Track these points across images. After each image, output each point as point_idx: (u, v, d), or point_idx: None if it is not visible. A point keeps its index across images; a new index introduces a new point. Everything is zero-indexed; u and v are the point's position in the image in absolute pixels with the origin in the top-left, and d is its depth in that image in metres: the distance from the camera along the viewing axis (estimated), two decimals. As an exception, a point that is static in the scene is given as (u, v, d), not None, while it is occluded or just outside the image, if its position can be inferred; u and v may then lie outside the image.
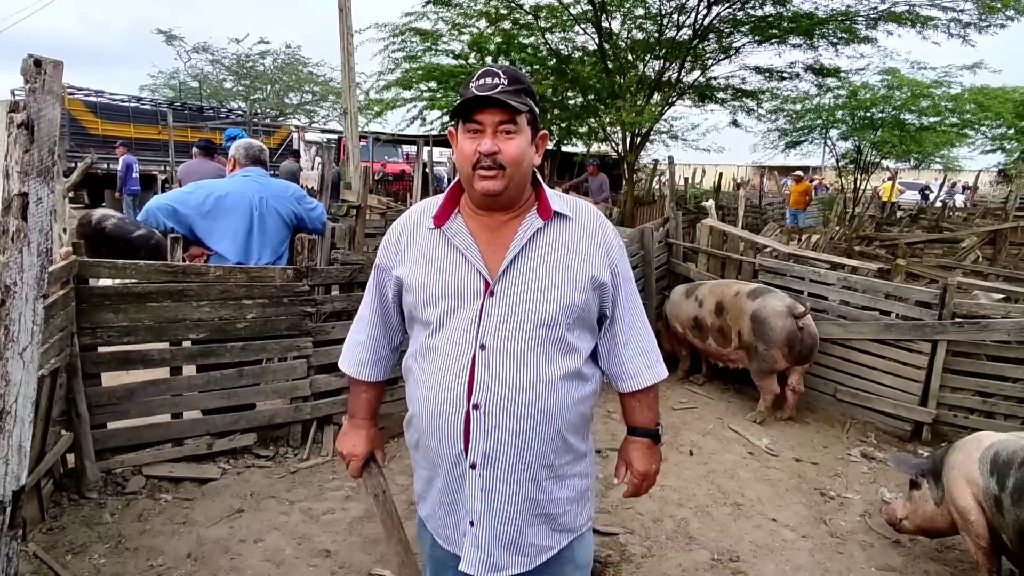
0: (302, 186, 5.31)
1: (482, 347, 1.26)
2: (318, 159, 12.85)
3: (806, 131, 13.97)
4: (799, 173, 14.30)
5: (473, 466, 1.28)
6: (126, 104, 15.25)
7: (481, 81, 1.26)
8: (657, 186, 16.88)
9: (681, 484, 3.32)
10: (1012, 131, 13.64)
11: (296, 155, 12.23)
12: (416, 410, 1.37)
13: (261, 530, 2.63)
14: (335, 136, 16.55)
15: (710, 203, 7.04)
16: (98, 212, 5.78)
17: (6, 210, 1.15)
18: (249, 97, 25.32)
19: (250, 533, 2.61)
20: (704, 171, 22.21)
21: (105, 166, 12.66)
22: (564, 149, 16.73)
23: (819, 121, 13.25)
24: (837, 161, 15.03)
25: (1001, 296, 4.69)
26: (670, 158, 7.69)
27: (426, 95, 12.02)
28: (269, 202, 3.20)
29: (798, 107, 13.01)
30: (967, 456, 2.49)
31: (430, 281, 1.32)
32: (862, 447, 3.99)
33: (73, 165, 7.86)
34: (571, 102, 11.87)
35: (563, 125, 12.54)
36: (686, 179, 17.06)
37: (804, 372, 4.28)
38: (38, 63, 1.17)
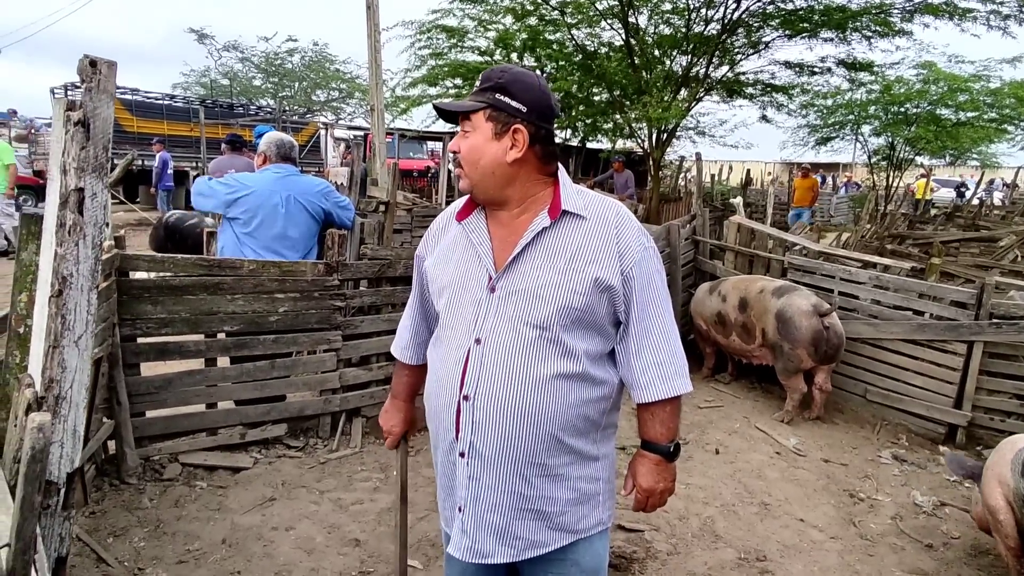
0: (331, 181, 5.41)
1: (477, 341, 1.29)
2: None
3: (837, 127, 13.66)
4: (807, 166, 12.83)
5: (462, 454, 1.32)
6: (160, 102, 15.61)
7: None
8: (683, 183, 16.70)
9: (707, 483, 3.30)
10: (1054, 127, 13.18)
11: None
12: (425, 395, 1.45)
13: (292, 518, 2.70)
14: (361, 133, 16.73)
15: (738, 200, 6.96)
16: (168, 212, 6.18)
17: (63, 204, 1.21)
18: (278, 94, 25.73)
19: (282, 521, 2.67)
20: (731, 167, 21.92)
21: (140, 163, 12.99)
22: (589, 146, 16.66)
23: (851, 117, 12.96)
24: (869, 158, 14.72)
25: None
26: (697, 154, 7.61)
27: (452, 92, 12.07)
28: (297, 199, 3.26)
29: (829, 102, 12.73)
30: (1001, 458, 2.48)
31: (443, 273, 1.38)
32: (893, 449, 3.93)
33: (113, 163, 8.10)
34: (596, 98, 11.81)
35: (588, 121, 12.48)
36: (712, 176, 16.84)
37: (831, 371, 4.21)
38: (93, 63, 1.23)
